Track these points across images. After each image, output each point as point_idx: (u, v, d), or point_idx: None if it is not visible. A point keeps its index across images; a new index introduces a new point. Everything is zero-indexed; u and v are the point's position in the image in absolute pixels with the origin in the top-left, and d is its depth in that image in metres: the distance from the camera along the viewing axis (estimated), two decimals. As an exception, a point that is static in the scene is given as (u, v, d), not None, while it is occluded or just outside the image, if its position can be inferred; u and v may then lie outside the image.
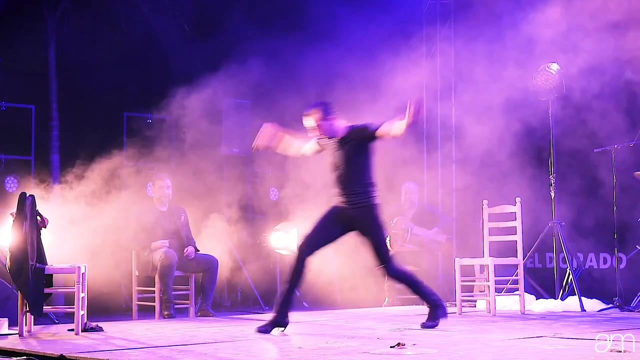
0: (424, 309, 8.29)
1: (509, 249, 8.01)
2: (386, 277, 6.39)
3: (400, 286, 6.51)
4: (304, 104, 9.66)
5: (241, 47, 9.62)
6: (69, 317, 7.61)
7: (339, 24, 9.87)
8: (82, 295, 6.05)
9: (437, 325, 6.17)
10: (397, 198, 9.60)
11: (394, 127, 5.92)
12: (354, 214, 6.07)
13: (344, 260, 10.02)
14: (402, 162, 10.26)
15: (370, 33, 10.02)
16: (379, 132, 5.99)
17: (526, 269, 8.67)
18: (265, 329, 5.98)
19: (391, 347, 4.81)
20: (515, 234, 7.69)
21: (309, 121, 6.13)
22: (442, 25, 11.01)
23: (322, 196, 9.92)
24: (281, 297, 6.11)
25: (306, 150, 6.42)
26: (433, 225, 9.48)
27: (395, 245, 9.24)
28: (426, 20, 11.02)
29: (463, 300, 7.79)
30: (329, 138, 6.15)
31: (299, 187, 10.41)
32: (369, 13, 10.17)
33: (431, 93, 11.04)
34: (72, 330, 6.03)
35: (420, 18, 11.00)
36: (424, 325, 6.18)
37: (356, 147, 6.06)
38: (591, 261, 9.64)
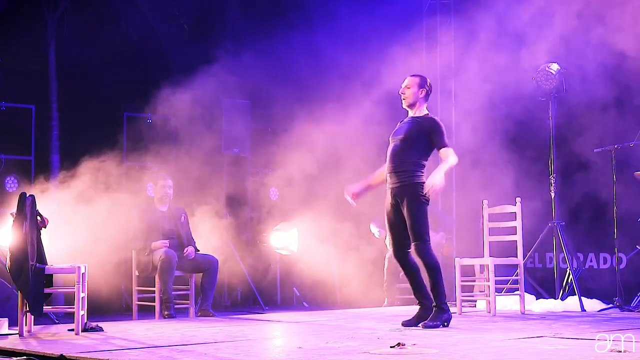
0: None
1: (509, 249, 8.01)
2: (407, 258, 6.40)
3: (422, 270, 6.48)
4: (304, 102, 9.74)
5: (241, 47, 9.62)
6: (69, 317, 7.61)
7: (338, 20, 9.86)
8: (82, 295, 6.05)
9: (437, 327, 6.14)
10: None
11: (444, 162, 6.25)
12: (397, 192, 6.28)
13: (344, 260, 10.03)
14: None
15: (371, 30, 10.01)
16: (440, 152, 6.30)
17: (526, 269, 8.67)
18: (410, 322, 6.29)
19: (391, 347, 4.81)
20: (515, 234, 7.69)
21: (407, 80, 6.48)
22: (442, 22, 10.99)
23: (323, 196, 9.94)
24: (417, 290, 6.37)
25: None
26: (434, 224, 9.45)
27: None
28: (427, 16, 11.01)
29: (463, 300, 7.78)
30: (406, 105, 6.46)
31: (299, 187, 10.43)
32: (370, 9, 10.17)
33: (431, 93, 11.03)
34: (72, 330, 6.03)
35: (421, 14, 10.98)
36: (425, 325, 6.16)
37: (420, 131, 6.31)
38: (591, 261, 9.64)
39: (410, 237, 6.26)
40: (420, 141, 6.31)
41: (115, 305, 9.29)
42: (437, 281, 6.23)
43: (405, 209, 6.25)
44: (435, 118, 6.46)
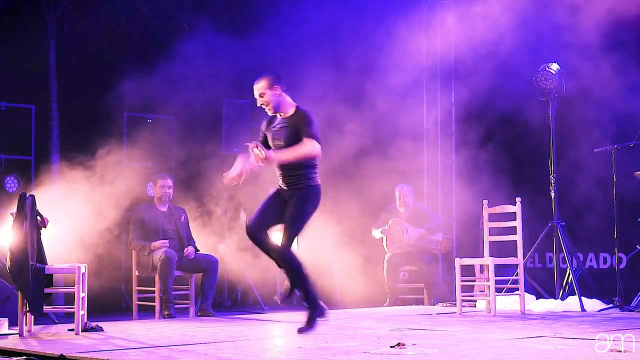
0: (425, 309, 8.33)
1: (509, 249, 8.01)
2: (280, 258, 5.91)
3: (289, 272, 5.94)
4: (304, 100, 9.74)
5: (241, 47, 9.62)
6: (69, 317, 7.62)
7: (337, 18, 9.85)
8: (82, 295, 6.05)
9: (314, 330, 5.83)
10: (393, 199, 9.56)
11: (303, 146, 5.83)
12: (291, 194, 5.94)
13: (344, 260, 10.03)
14: (403, 162, 10.27)
15: (372, 20, 10.01)
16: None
17: (526, 269, 8.67)
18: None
19: (391, 347, 4.82)
20: (515, 234, 7.68)
21: (255, 90, 5.97)
22: (442, 20, 10.99)
23: (322, 195, 9.92)
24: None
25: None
26: (420, 222, 9.43)
27: (392, 247, 9.23)
28: (426, 16, 10.99)
29: (463, 300, 7.78)
30: (273, 112, 5.98)
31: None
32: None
33: (431, 93, 11.04)
34: (72, 330, 6.03)
35: (421, 12, 10.96)
36: (301, 330, 5.82)
37: (296, 132, 5.90)
38: (591, 261, 9.64)
39: (283, 236, 5.84)
40: (300, 136, 5.87)
41: (115, 305, 9.29)
42: (307, 285, 5.87)
43: (292, 204, 5.88)
44: (304, 110, 5.95)
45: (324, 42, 9.64)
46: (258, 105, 6.02)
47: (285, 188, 6.02)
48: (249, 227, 5.92)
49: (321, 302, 5.98)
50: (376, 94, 9.96)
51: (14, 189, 8.75)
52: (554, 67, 8.51)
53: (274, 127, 6.03)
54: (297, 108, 6.00)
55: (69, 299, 8.01)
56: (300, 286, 5.90)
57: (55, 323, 7.37)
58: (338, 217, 9.89)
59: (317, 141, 5.86)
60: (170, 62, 9.40)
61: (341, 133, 10.15)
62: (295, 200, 5.92)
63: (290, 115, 5.97)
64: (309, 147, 5.83)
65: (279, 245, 5.89)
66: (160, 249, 7.94)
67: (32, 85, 9.17)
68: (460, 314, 7.57)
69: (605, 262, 9.53)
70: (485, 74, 10.14)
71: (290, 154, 5.84)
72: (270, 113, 6.02)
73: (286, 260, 5.88)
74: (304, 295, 5.93)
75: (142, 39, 9.59)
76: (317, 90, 9.64)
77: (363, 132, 10.28)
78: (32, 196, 6.09)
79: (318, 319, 5.92)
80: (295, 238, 5.90)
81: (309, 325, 5.88)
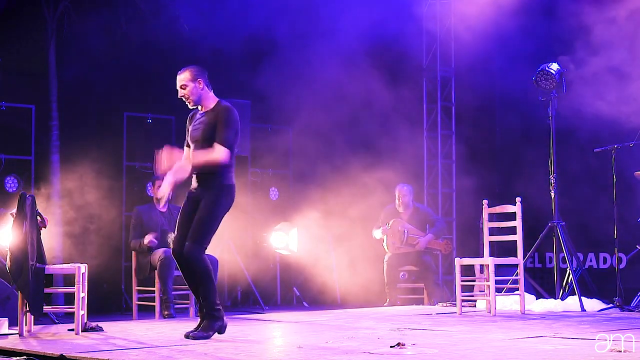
0: (425, 309, 8.33)
1: (509, 249, 8.01)
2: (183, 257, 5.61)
3: (189, 274, 5.64)
4: (304, 101, 9.74)
5: (241, 47, 9.62)
6: (69, 317, 7.61)
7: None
8: (82, 295, 6.05)
9: (208, 338, 5.50)
10: (393, 199, 9.55)
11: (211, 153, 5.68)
12: (202, 194, 5.71)
13: (344, 260, 10.03)
14: (403, 162, 10.27)
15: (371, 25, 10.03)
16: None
17: (526, 269, 8.67)
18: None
19: (391, 347, 4.82)
20: (515, 234, 7.69)
21: (178, 79, 5.84)
22: (442, 20, 10.98)
23: (322, 195, 9.94)
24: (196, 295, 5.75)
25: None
26: (423, 225, 9.42)
27: (392, 247, 9.23)
28: (426, 15, 10.98)
29: (463, 300, 7.78)
30: (193, 105, 5.84)
31: (300, 187, 10.42)
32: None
33: (431, 92, 11.05)
34: (72, 330, 6.03)
35: (421, 11, 10.94)
36: (194, 336, 5.50)
37: (214, 128, 5.74)
38: (591, 261, 9.64)
39: (189, 235, 5.60)
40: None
41: (115, 305, 9.29)
42: (206, 288, 5.56)
43: (203, 204, 5.65)
44: (224, 105, 5.81)
45: (324, 42, 9.64)
46: (179, 97, 5.86)
47: (196, 186, 5.78)
48: (174, 249, 5.70)
49: (224, 317, 5.64)
50: (375, 93, 9.96)
51: (14, 189, 8.75)
52: (554, 67, 8.51)
53: (195, 122, 5.89)
54: (219, 102, 5.85)
55: (69, 299, 8.01)
56: (204, 294, 5.57)
57: (55, 323, 7.37)
58: (338, 217, 9.90)
59: (228, 146, 5.67)
60: (169, 62, 9.40)
61: (341, 133, 10.16)
62: (206, 200, 5.68)
63: (211, 110, 5.81)
64: (216, 155, 5.64)
65: (187, 244, 5.59)
66: (152, 242, 7.91)
67: (32, 85, 9.16)
68: (460, 314, 7.57)
69: (605, 262, 9.53)
70: (485, 73, 10.14)
71: (199, 159, 5.68)
72: (190, 106, 5.86)
73: (193, 262, 5.56)
74: (207, 305, 5.56)
75: (141, 38, 9.59)
76: (317, 90, 9.66)
77: (363, 131, 10.29)
78: (32, 196, 6.10)
79: (217, 332, 5.58)
80: (205, 240, 5.63)
81: (204, 332, 5.54)
